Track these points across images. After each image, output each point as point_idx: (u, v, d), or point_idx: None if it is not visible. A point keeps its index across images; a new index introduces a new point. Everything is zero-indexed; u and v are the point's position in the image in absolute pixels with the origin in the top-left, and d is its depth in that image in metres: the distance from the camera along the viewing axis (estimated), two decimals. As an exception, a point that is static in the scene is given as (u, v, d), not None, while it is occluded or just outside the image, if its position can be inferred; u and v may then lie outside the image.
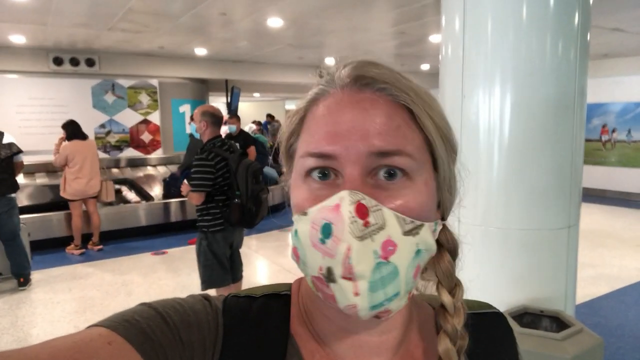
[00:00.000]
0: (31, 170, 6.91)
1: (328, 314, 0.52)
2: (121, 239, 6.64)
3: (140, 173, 7.99)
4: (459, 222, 2.53)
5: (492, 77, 2.32)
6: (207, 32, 6.09)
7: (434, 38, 6.50)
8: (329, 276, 0.44)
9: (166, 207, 7.09)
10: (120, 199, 7.06)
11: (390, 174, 0.46)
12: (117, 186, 7.15)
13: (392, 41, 6.88)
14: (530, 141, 2.28)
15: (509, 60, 2.26)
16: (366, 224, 0.43)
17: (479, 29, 2.34)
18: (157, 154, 8.47)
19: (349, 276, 0.43)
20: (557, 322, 2.16)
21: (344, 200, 0.44)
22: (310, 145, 0.48)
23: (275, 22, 5.43)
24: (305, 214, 0.47)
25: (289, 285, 0.58)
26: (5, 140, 4.48)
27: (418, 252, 0.47)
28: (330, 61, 8.37)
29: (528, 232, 2.32)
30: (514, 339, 0.62)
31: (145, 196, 7.32)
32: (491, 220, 2.40)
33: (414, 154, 0.47)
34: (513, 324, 2.10)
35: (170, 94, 8.54)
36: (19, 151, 4.63)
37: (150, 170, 8.18)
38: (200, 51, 7.57)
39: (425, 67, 9.63)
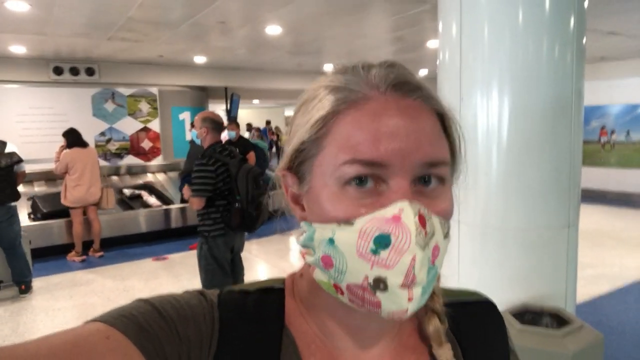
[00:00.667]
0: (32, 179, 6.94)
1: (333, 309, 0.53)
2: (122, 246, 6.65)
3: (140, 180, 8.01)
4: (459, 222, 2.56)
5: (490, 81, 2.35)
6: (206, 40, 6.13)
7: (432, 44, 6.55)
8: (378, 285, 0.44)
9: (167, 213, 7.10)
10: (142, 203, 7.10)
11: (426, 180, 0.48)
12: (137, 191, 7.22)
13: (390, 47, 6.93)
14: (528, 143, 2.31)
15: (506, 64, 2.29)
16: (426, 234, 0.44)
17: (476, 33, 2.38)
18: (157, 161, 8.50)
19: (409, 284, 0.44)
20: (558, 320, 2.18)
21: (405, 211, 0.44)
22: (356, 152, 0.46)
23: (273, 29, 5.47)
24: (350, 223, 0.45)
25: (282, 279, 0.59)
26: (7, 150, 4.51)
27: (446, 251, 0.49)
28: (329, 67, 8.42)
29: (527, 231, 2.34)
30: (504, 326, 0.63)
31: (165, 200, 7.35)
32: (490, 221, 2.42)
33: (449, 162, 0.50)
34: (514, 321, 2.12)
35: (170, 102, 8.58)
36: (20, 160, 4.66)
37: (149, 177, 8.21)
38: (200, 59, 7.61)
39: (423, 72, 9.69)
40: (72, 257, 6.05)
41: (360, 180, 0.46)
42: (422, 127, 0.47)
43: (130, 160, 8.26)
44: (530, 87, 2.27)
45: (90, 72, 7.45)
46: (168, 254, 6.27)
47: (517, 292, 2.36)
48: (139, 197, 7.22)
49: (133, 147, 8.29)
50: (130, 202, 7.15)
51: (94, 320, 0.46)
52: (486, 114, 2.38)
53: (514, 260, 2.37)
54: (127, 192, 7.32)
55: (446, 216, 0.48)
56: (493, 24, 2.32)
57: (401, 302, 0.45)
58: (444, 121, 0.51)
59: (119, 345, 0.43)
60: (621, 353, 3.32)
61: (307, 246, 0.51)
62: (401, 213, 0.44)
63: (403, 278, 0.44)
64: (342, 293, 0.48)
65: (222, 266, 3.33)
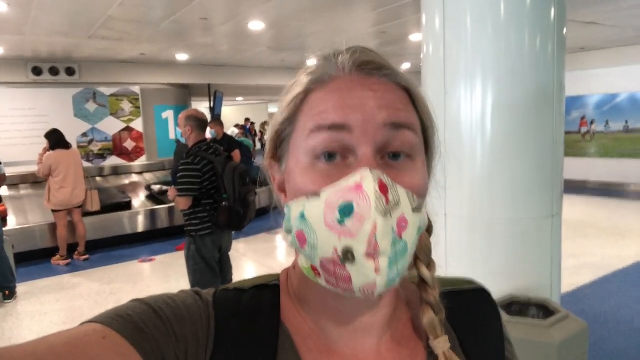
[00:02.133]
0: (15, 182, 6.82)
1: (323, 299, 0.53)
2: (107, 248, 6.57)
3: (125, 181, 7.92)
4: (445, 214, 2.58)
5: (473, 73, 2.37)
6: (188, 38, 6.08)
7: (415, 37, 6.57)
8: (347, 256, 0.44)
9: (152, 213, 7.03)
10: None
11: (394, 155, 0.48)
12: (165, 187, 7.11)
13: (373, 41, 6.94)
14: (512, 134, 2.33)
15: (489, 56, 2.31)
16: (387, 201, 0.44)
17: (459, 25, 2.39)
18: (141, 161, 8.41)
19: (373, 253, 0.44)
20: (544, 310, 2.21)
21: (366, 179, 0.44)
22: (320, 118, 0.48)
23: (256, 25, 5.44)
24: (317, 195, 0.46)
25: (277, 275, 0.59)
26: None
27: (419, 229, 0.49)
28: (312, 63, 8.39)
29: (512, 221, 2.37)
30: (498, 313, 0.64)
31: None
32: (476, 212, 2.44)
33: (418, 132, 0.51)
34: (501, 313, 2.14)
35: (153, 101, 8.49)
36: (-1, 163, 4.57)
37: (134, 177, 8.12)
38: (182, 57, 7.54)
39: (406, 65, 9.72)
40: (57, 260, 5.96)
41: (329, 155, 0.47)
42: (385, 96, 0.49)
43: (113, 160, 8.16)
44: (513, 79, 2.29)
45: (70, 72, 7.34)
46: (155, 255, 6.22)
47: (504, 283, 2.39)
48: (166, 192, 7.11)
49: (116, 147, 8.20)
50: (160, 197, 7.12)
51: (90, 321, 0.46)
52: (470, 107, 2.39)
53: (501, 251, 2.40)
54: (155, 187, 7.26)
55: (416, 190, 0.48)
56: (475, 15, 2.33)
57: (368, 273, 0.44)
58: (412, 97, 0.52)
59: (116, 346, 0.43)
60: (605, 341, 3.38)
61: (287, 229, 0.51)
62: (362, 181, 0.45)
63: (366, 246, 0.44)
64: (319, 274, 0.48)
65: (210, 266, 3.31)
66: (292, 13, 5.01)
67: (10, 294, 4.69)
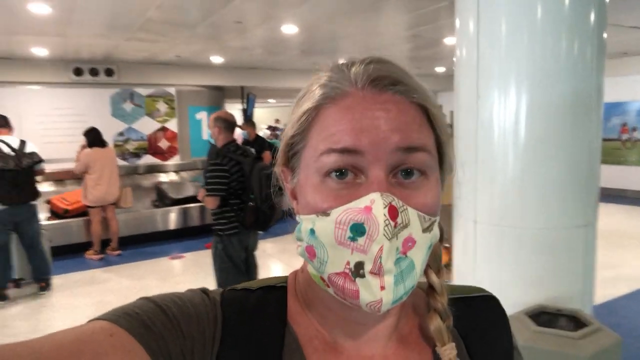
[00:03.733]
0: (55, 178, 7.07)
1: (329, 304, 0.53)
2: (139, 244, 6.73)
3: (158, 179, 8.10)
4: (475, 222, 2.53)
5: (507, 78, 2.32)
6: (222, 40, 6.17)
7: (449, 40, 6.48)
8: (358, 271, 0.45)
9: (184, 211, 7.17)
10: None
11: (407, 173, 0.48)
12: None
13: (406, 44, 6.88)
14: (546, 140, 2.27)
15: (524, 61, 2.26)
16: (396, 225, 0.45)
17: (493, 30, 2.34)
18: (175, 161, 8.58)
19: (377, 272, 0.45)
20: (575, 322, 2.14)
21: (376, 203, 0.45)
22: (332, 142, 0.47)
23: (289, 29, 5.48)
24: (327, 214, 0.47)
25: (285, 277, 0.59)
26: (27, 150, 4.59)
27: (429, 246, 0.50)
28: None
29: (544, 231, 2.30)
30: (507, 321, 0.63)
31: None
32: (507, 220, 2.39)
33: (432, 151, 0.50)
34: (529, 322, 2.08)
35: (187, 102, 8.65)
36: (41, 160, 4.74)
37: (170, 177, 8.29)
38: (216, 59, 7.66)
39: (440, 69, 9.60)
40: (90, 255, 6.15)
41: (339, 172, 0.47)
42: (399, 117, 0.47)
43: (148, 159, 8.35)
44: (549, 84, 2.23)
45: (109, 72, 7.56)
46: (185, 252, 6.33)
47: (533, 292, 2.32)
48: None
49: (151, 146, 8.38)
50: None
51: (98, 318, 0.47)
52: (503, 112, 2.34)
53: (531, 260, 2.33)
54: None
55: (427, 210, 0.48)
56: (511, 19, 2.28)
57: (374, 290, 0.45)
58: (428, 114, 0.51)
59: (123, 343, 0.43)
60: (639, 357, 3.24)
61: (297, 238, 0.52)
62: (372, 204, 0.45)
63: (372, 265, 0.45)
64: (329, 286, 0.49)
65: (236, 265, 3.34)
66: (325, 16, 5.02)
67: (46, 286, 4.86)
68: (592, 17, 2.20)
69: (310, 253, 0.49)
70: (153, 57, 7.21)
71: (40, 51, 6.34)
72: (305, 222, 0.50)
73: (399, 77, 0.49)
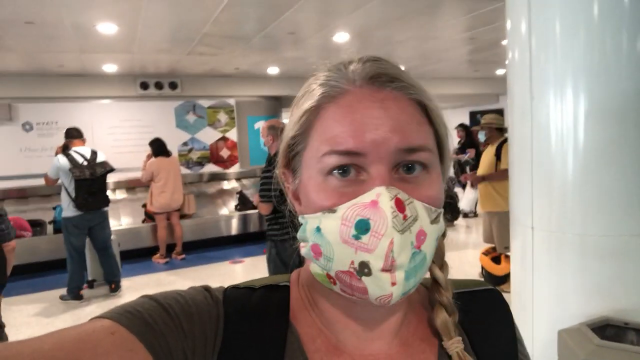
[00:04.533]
0: (123, 187, 7.52)
1: (333, 302, 0.53)
2: (202, 249, 6.99)
3: (220, 187, 8.39)
4: (533, 229, 2.43)
5: (563, 78, 2.23)
6: (278, 52, 6.32)
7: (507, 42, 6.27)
8: (363, 270, 0.45)
9: (244, 218, 7.39)
10: None
11: (409, 168, 0.48)
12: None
13: (463, 47, 6.74)
14: (608, 142, 2.15)
15: (581, 60, 2.16)
16: (405, 218, 0.45)
17: (547, 30, 2.26)
18: (235, 169, 8.86)
19: (390, 268, 0.45)
20: (643, 336, 2.00)
21: (382, 196, 0.45)
22: (334, 143, 0.47)
23: (341, 37, 5.52)
24: (333, 211, 0.47)
25: (288, 276, 0.60)
26: (99, 159, 4.92)
27: (437, 238, 0.50)
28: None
29: (608, 238, 2.17)
30: (510, 314, 0.63)
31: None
32: (567, 227, 2.28)
33: (432, 148, 0.50)
34: (593, 336, 1.97)
35: (246, 112, 8.93)
36: (112, 169, 5.05)
37: (232, 184, 8.57)
38: (273, 70, 7.85)
39: (500, 72, 9.31)
40: (157, 259, 6.46)
41: (342, 169, 0.48)
42: (398, 116, 0.48)
43: (210, 168, 8.68)
44: (609, 85, 2.12)
45: (173, 86, 7.94)
46: (244, 257, 6.51)
47: (597, 304, 2.19)
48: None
49: (213, 155, 8.71)
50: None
51: (100, 316, 0.47)
52: (560, 115, 2.25)
53: (594, 270, 2.21)
54: (246, 193, 7.75)
55: (432, 202, 0.49)
56: (565, 19, 2.19)
57: (385, 286, 0.45)
58: (427, 111, 0.51)
59: (124, 341, 0.44)
60: None
61: (302, 239, 0.52)
62: (378, 198, 0.45)
63: (383, 262, 0.44)
64: (335, 282, 0.49)
65: (290, 270, 3.39)
66: (377, 22, 5.02)
67: (116, 288, 5.16)
68: (657, 10, 2.07)
69: (315, 252, 0.49)
70: (213, 70, 7.51)
71: (110, 67, 6.79)
72: (311, 221, 0.50)
73: (396, 74, 0.50)
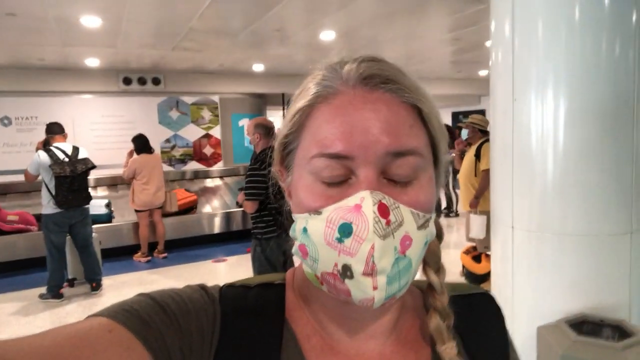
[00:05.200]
0: (104, 184, 7.42)
1: (325, 302, 0.54)
2: (184, 247, 6.93)
3: (203, 185, 8.34)
4: (513, 228, 2.48)
5: (545, 80, 2.27)
6: (263, 48, 6.30)
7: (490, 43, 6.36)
8: (345, 273, 0.45)
9: (227, 216, 7.35)
10: None
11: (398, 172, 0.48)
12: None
13: (447, 48, 6.81)
14: (587, 144, 2.20)
15: (562, 63, 2.20)
16: (388, 223, 0.45)
17: (530, 32, 2.30)
18: (219, 167, 8.80)
19: (370, 273, 0.45)
20: (620, 332, 2.05)
21: (365, 201, 0.45)
22: (322, 145, 0.47)
23: (327, 35, 5.53)
24: (319, 213, 0.47)
25: (283, 275, 0.60)
26: (80, 156, 4.84)
27: (425, 243, 0.50)
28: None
29: (587, 237, 2.23)
30: (502, 318, 0.63)
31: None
32: (547, 226, 2.32)
33: (423, 152, 0.49)
34: (570, 332, 2.02)
35: (231, 109, 8.87)
36: (94, 166, 4.97)
37: (215, 182, 8.52)
38: (258, 67, 7.82)
39: (483, 72, 9.42)
40: (138, 257, 6.39)
41: (331, 172, 0.47)
42: (388, 119, 0.47)
43: (193, 165, 8.61)
44: (589, 86, 2.17)
45: (156, 81, 7.86)
46: (227, 256, 6.48)
47: (575, 301, 2.25)
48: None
49: (196, 153, 8.64)
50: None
51: (97, 314, 0.46)
52: (541, 115, 2.29)
53: (572, 268, 2.26)
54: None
55: (420, 207, 0.48)
56: (548, 21, 2.23)
57: (366, 290, 0.45)
58: (421, 113, 0.50)
59: (122, 339, 0.44)
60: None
61: (293, 237, 0.53)
62: (362, 202, 0.45)
63: (364, 266, 0.44)
64: (322, 283, 0.49)
65: (275, 268, 3.40)
66: (363, 21, 5.04)
67: (97, 286, 5.09)
68: (634, 16, 2.13)
69: (303, 252, 0.50)
70: (197, 66, 7.45)
71: (92, 62, 6.69)
72: (299, 220, 0.50)
73: (391, 75, 0.49)
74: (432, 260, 0.55)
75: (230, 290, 0.55)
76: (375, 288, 0.45)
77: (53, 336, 0.42)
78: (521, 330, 2.38)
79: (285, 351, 0.52)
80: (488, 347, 0.60)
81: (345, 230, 0.45)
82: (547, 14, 2.23)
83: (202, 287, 0.55)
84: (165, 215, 6.69)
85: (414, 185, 0.48)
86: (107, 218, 6.57)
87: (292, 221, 0.53)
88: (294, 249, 0.52)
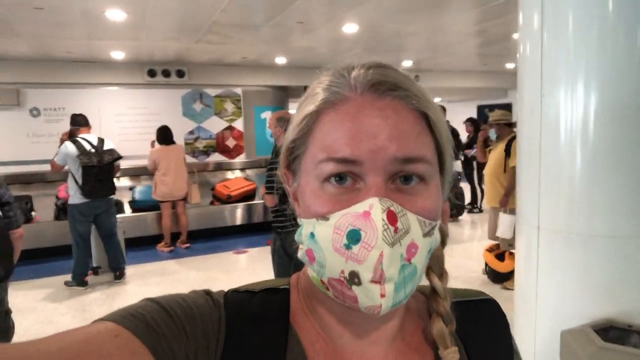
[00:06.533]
0: (129, 174, 7.54)
1: (330, 307, 0.54)
2: (207, 238, 7.01)
3: (225, 176, 8.40)
4: (538, 228, 2.41)
5: (575, 76, 2.19)
6: (286, 41, 6.28)
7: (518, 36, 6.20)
8: (353, 280, 0.46)
9: (249, 208, 7.40)
10: None
11: (406, 178, 0.48)
12: None
13: (473, 40, 6.67)
14: (618, 142, 2.12)
15: (594, 58, 2.12)
16: (396, 230, 0.45)
17: (560, 25, 2.22)
18: (241, 159, 8.86)
19: (379, 280, 0.45)
20: (648, 339, 1.98)
21: (374, 208, 0.45)
22: (330, 150, 0.48)
23: (350, 27, 5.48)
24: (326, 219, 0.47)
25: (288, 279, 0.60)
26: (106, 147, 4.92)
27: (429, 250, 0.50)
28: (407, 64, 8.27)
29: (614, 239, 2.15)
30: (507, 324, 0.63)
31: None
32: (574, 227, 2.25)
33: (431, 160, 0.50)
34: (596, 338, 1.95)
35: (253, 102, 8.90)
36: (120, 157, 5.06)
37: (236, 174, 8.58)
38: (281, 60, 7.81)
39: (510, 65, 9.21)
40: (161, 247, 6.49)
41: (339, 177, 0.48)
42: (397, 125, 0.47)
43: (216, 157, 8.68)
44: (621, 83, 2.08)
45: (180, 74, 7.92)
46: (248, 247, 6.53)
47: (601, 305, 2.18)
48: None
49: (219, 145, 8.71)
50: None
51: (103, 319, 0.47)
52: (570, 112, 2.22)
53: (599, 270, 2.19)
54: None
55: (427, 215, 0.48)
56: (579, 14, 2.15)
57: (374, 297, 0.45)
58: (428, 120, 0.50)
59: (128, 344, 0.44)
60: None
61: (299, 241, 0.53)
62: (371, 209, 0.45)
63: (372, 274, 0.45)
64: (328, 288, 0.49)
65: (293, 261, 3.41)
66: (387, 14, 4.97)
67: (120, 275, 5.20)
68: (673, 8, 2.03)
69: (310, 257, 0.50)
70: (221, 58, 7.48)
71: (118, 54, 6.77)
72: (306, 225, 0.51)
73: (399, 82, 0.49)
74: (435, 265, 0.56)
75: (235, 296, 0.56)
76: (383, 296, 0.45)
77: (59, 340, 0.42)
78: (544, 334, 2.32)
79: (290, 356, 0.52)
80: (491, 353, 0.60)
81: (354, 237, 0.45)
82: (578, 6, 2.14)
83: (207, 293, 0.55)
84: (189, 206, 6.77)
85: (421, 192, 0.49)
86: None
87: (298, 225, 0.53)
88: (301, 254, 0.53)
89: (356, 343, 0.54)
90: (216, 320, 0.52)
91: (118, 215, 5.37)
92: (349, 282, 0.46)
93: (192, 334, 0.49)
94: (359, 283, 0.45)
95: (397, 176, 0.48)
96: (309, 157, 0.51)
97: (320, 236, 0.48)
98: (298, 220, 0.54)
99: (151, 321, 0.47)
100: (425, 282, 0.56)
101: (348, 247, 0.45)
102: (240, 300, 0.55)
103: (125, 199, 6.93)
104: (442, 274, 0.56)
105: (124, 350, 0.43)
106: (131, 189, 7.10)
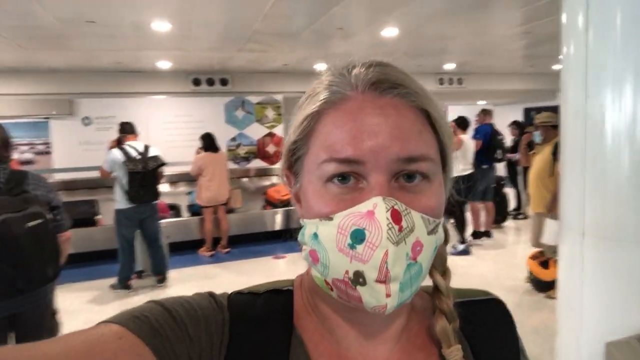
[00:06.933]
0: (175, 180, 7.76)
1: (334, 308, 0.54)
2: (247, 243, 7.11)
3: (266, 182, 8.52)
4: (583, 235, 2.30)
5: (622, 76, 2.09)
6: (326, 47, 6.32)
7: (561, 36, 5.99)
8: (357, 280, 0.46)
9: (288, 213, 7.46)
10: None
11: (409, 177, 0.48)
12: None
13: (517, 42, 6.49)
14: (669, 145, 2.00)
15: (643, 57, 2.02)
16: (400, 229, 0.45)
17: (606, 23, 2.13)
18: (280, 164, 8.95)
19: (384, 280, 0.45)
20: None
21: (378, 207, 0.45)
22: (333, 150, 0.47)
23: (390, 32, 5.45)
24: (330, 219, 0.47)
25: (291, 281, 0.61)
26: (150, 153, 5.08)
27: (435, 248, 0.49)
28: (450, 67, 8.12)
29: (666, 248, 2.03)
30: (513, 324, 0.62)
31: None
32: (621, 234, 2.14)
33: (434, 157, 0.50)
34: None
35: (293, 108, 8.98)
36: (164, 163, 5.21)
37: (275, 179, 8.68)
38: (320, 66, 7.85)
39: (557, 67, 8.88)
40: (203, 252, 6.63)
41: (341, 177, 0.47)
42: (398, 124, 0.47)
43: (256, 163, 8.81)
44: (674, 82, 1.97)
45: (224, 82, 8.10)
46: (286, 253, 6.57)
47: (652, 317, 2.05)
48: None
49: (259, 151, 8.85)
50: None
51: (107, 321, 0.47)
52: (618, 114, 2.11)
53: (650, 281, 2.07)
54: None
55: (431, 213, 0.48)
56: (627, 11, 2.05)
57: (379, 297, 0.45)
58: (431, 119, 0.50)
59: (132, 346, 0.44)
60: None
61: (301, 242, 0.53)
62: (375, 208, 0.45)
63: (377, 273, 0.44)
64: (332, 289, 0.49)
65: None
66: (427, 17, 4.92)
67: (163, 279, 5.34)
68: None
69: (313, 257, 0.50)
70: (262, 66, 7.61)
71: (164, 64, 7.01)
72: (309, 226, 0.51)
73: (400, 80, 0.49)
74: (438, 263, 0.55)
75: (239, 297, 0.56)
76: (388, 295, 0.45)
77: (64, 342, 0.43)
78: (588, 345, 2.21)
79: (293, 357, 0.52)
80: (497, 352, 0.58)
81: (358, 237, 0.45)
82: (626, 4, 2.05)
83: (211, 295, 0.56)
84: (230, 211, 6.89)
85: (425, 191, 0.48)
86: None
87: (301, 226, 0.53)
88: (304, 255, 0.52)
89: (361, 343, 0.54)
90: (219, 322, 0.52)
91: (162, 221, 5.51)
92: (354, 282, 0.46)
93: (196, 336, 0.49)
94: (364, 283, 0.45)
95: (400, 174, 0.48)
96: (311, 157, 0.51)
97: (323, 236, 0.48)
98: (300, 221, 0.54)
99: (155, 323, 0.47)
100: (427, 281, 0.55)
101: (352, 246, 0.45)
102: (244, 302, 0.55)
103: (183, 203, 7.21)
104: (445, 272, 0.56)
105: (128, 352, 0.44)
106: (188, 193, 7.33)
